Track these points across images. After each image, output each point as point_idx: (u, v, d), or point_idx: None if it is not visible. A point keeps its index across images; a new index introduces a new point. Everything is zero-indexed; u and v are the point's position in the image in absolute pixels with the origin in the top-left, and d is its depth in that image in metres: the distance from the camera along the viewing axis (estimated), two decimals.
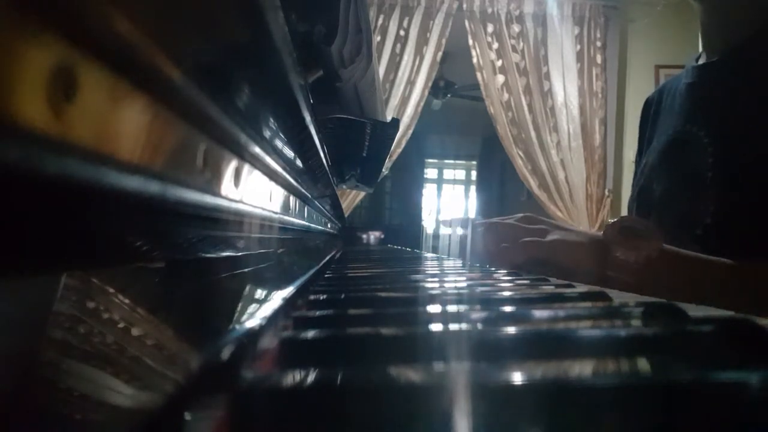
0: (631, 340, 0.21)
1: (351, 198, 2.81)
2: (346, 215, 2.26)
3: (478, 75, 2.91)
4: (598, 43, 2.93)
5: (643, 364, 0.19)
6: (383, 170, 1.27)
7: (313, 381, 0.15)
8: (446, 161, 6.23)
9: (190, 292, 0.21)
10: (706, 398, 0.14)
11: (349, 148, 0.84)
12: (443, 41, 2.89)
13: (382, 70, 2.79)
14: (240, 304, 0.25)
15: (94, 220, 0.13)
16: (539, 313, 0.26)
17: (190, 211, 0.19)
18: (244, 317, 0.22)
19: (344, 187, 1.09)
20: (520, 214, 0.67)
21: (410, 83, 2.88)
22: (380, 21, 2.84)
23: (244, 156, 0.25)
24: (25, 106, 0.09)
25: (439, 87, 3.74)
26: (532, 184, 2.92)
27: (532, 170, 2.92)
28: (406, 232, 4.66)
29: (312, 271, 0.47)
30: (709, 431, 0.14)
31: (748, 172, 0.58)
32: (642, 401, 0.14)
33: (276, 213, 0.37)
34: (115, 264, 0.15)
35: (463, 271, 0.63)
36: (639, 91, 2.83)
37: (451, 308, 0.28)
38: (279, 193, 0.38)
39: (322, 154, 0.47)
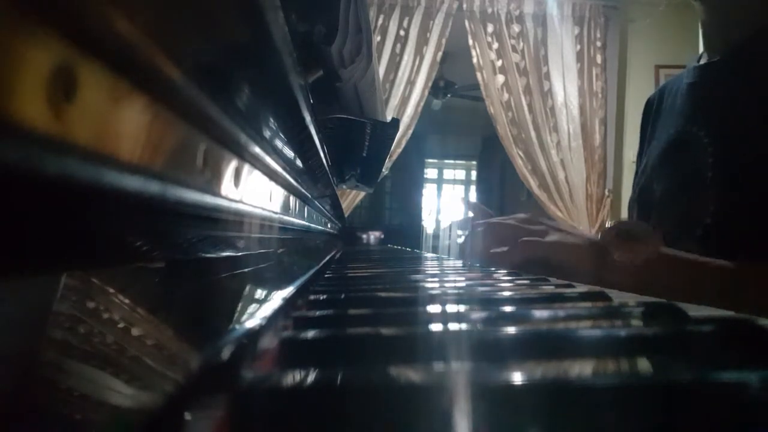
0: (631, 340, 0.21)
1: (351, 198, 2.81)
2: (346, 215, 2.26)
3: (478, 75, 2.91)
4: (598, 43, 2.93)
5: (643, 364, 0.19)
6: (383, 170, 1.27)
7: (313, 381, 0.15)
8: (446, 161, 6.23)
9: (190, 292, 0.21)
10: (706, 398, 0.14)
11: (349, 148, 0.84)
12: (443, 41, 2.89)
13: (382, 70, 2.79)
14: (240, 304, 0.25)
15: (94, 220, 0.13)
16: (539, 313, 0.26)
17: (190, 211, 0.19)
18: (244, 317, 0.22)
19: (344, 187, 1.09)
20: (521, 214, 0.67)
21: (410, 83, 2.88)
22: (380, 21, 2.84)
23: (244, 156, 0.25)
24: (25, 106, 0.09)
25: (439, 87, 3.74)
26: (532, 184, 2.92)
27: (532, 170, 2.92)
28: (406, 232, 4.66)
29: (312, 271, 0.47)
30: (709, 431, 0.14)
31: (749, 172, 0.58)
32: (642, 401, 0.14)
33: (276, 213, 0.37)
34: (115, 264, 0.15)
35: (463, 271, 0.63)
36: (639, 91, 2.83)
37: (451, 308, 0.28)
38: (279, 193, 0.38)
39: (322, 154, 0.47)
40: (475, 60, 2.91)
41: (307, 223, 0.59)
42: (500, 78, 2.91)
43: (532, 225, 0.63)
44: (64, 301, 0.13)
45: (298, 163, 0.41)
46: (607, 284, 0.48)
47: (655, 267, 0.53)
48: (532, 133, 2.90)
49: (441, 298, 0.34)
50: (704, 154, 0.63)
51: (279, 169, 0.34)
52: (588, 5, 2.94)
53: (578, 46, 2.92)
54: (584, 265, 0.56)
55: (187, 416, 0.13)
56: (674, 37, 2.71)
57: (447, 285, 0.43)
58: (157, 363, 0.15)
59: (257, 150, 0.27)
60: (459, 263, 0.78)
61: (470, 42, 2.90)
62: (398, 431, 0.13)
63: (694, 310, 0.25)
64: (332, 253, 0.93)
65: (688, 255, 0.56)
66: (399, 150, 2.84)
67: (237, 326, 0.20)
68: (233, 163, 0.23)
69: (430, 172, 6.16)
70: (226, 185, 0.23)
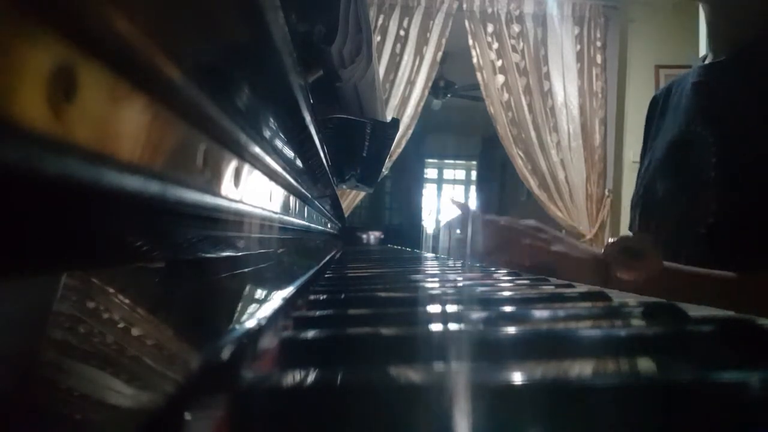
0: (631, 340, 0.21)
1: (351, 198, 2.81)
2: (346, 215, 2.26)
3: (478, 75, 2.91)
4: (598, 43, 2.93)
5: (643, 364, 0.19)
6: (383, 170, 1.27)
7: (312, 381, 0.15)
8: (446, 161, 6.23)
9: (190, 292, 0.21)
10: (706, 398, 0.14)
11: (349, 148, 0.84)
12: (443, 41, 2.89)
13: (382, 70, 2.79)
14: (240, 304, 0.25)
15: (94, 220, 0.13)
16: (539, 313, 0.26)
17: (190, 211, 0.19)
18: (244, 317, 0.22)
19: (344, 187, 1.09)
20: (531, 221, 0.67)
21: (410, 83, 2.88)
22: (380, 21, 2.84)
23: (244, 156, 0.25)
24: (26, 106, 0.09)
25: (439, 87, 3.74)
26: (532, 184, 2.92)
27: (532, 170, 2.92)
28: (406, 232, 4.66)
29: (312, 271, 0.47)
30: (709, 431, 0.14)
31: (752, 172, 0.58)
32: (642, 401, 0.14)
33: (276, 213, 0.37)
34: (115, 264, 0.15)
35: (463, 271, 0.63)
36: (639, 91, 2.83)
37: (451, 308, 0.28)
38: (279, 193, 0.38)
39: (322, 154, 0.47)
40: (475, 60, 2.91)
41: (307, 223, 0.59)
42: (500, 78, 2.91)
43: (539, 232, 0.64)
44: (64, 301, 0.13)
45: (298, 163, 0.41)
46: None
47: (657, 283, 0.53)
48: (532, 133, 2.89)
49: (441, 298, 0.34)
50: (708, 154, 0.63)
51: (279, 169, 0.34)
52: (588, 5, 2.94)
53: (578, 46, 2.92)
54: (585, 279, 0.56)
55: (187, 416, 0.13)
56: (674, 37, 2.71)
57: (447, 285, 0.43)
58: (157, 363, 0.15)
59: (257, 150, 0.27)
60: (459, 263, 0.78)
61: (470, 42, 2.90)
62: (398, 431, 0.13)
63: (694, 310, 0.25)
64: (332, 253, 0.93)
65: (690, 269, 0.56)
66: (399, 150, 2.84)
67: (237, 326, 0.20)
68: (233, 163, 0.23)
69: (430, 172, 6.16)
70: (226, 185, 0.23)
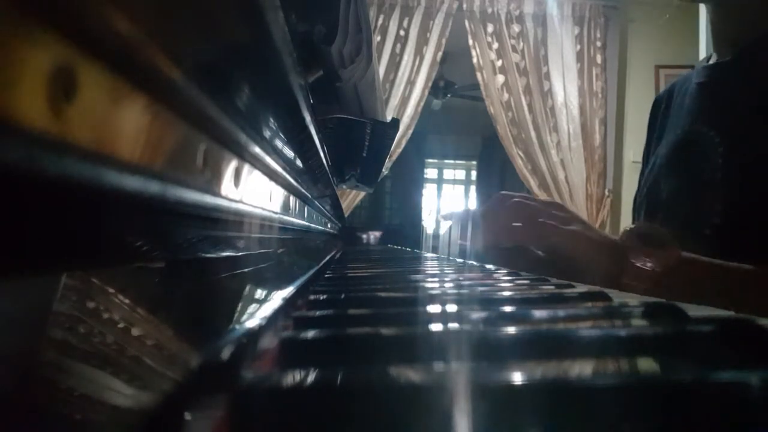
0: (631, 340, 0.21)
1: (351, 198, 2.81)
2: (346, 215, 2.26)
3: (478, 75, 2.91)
4: (598, 43, 2.93)
5: (643, 364, 0.19)
6: (383, 170, 1.27)
7: (313, 381, 0.15)
8: (446, 161, 6.23)
9: (190, 292, 0.21)
10: (706, 398, 0.14)
11: (349, 148, 0.84)
12: (443, 41, 2.89)
13: (382, 70, 2.79)
14: (240, 304, 0.25)
15: (94, 220, 0.13)
16: (539, 313, 0.26)
17: (190, 211, 0.19)
18: (244, 317, 0.22)
19: (344, 187, 1.09)
20: (546, 198, 0.63)
21: (410, 83, 2.88)
22: (380, 21, 2.84)
23: (244, 156, 0.25)
24: (25, 106, 0.09)
25: (439, 87, 3.74)
26: (532, 184, 2.92)
27: (532, 170, 2.92)
28: (406, 232, 4.66)
29: (312, 271, 0.47)
30: (709, 431, 0.14)
31: (759, 172, 0.58)
32: (642, 401, 0.14)
33: (276, 213, 0.37)
34: (115, 264, 0.15)
35: (463, 271, 0.63)
36: (639, 91, 2.83)
37: (451, 308, 0.28)
38: (279, 193, 0.38)
39: (322, 154, 0.47)
40: (475, 60, 2.91)
41: (307, 223, 0.59)
42: (500, 78, 2.91)
43: (558, 209, 0.60)
44: (64, 301, 0.13)
45: (298, 163, 0.41)
46: (623, 288, 0.47)
47: (676, 272, 0.52)
48: (532, 133, 2.89)
49: (441, 298, 0.34)
50: (714, 154, 0.62)
51: (279, 169, 0.34)
52: (588, 5, 2.94)
53: (578, 46, 2.92)
54: (601, 264, 0.53)
55: (187, 416, 0.13)
56: (674, 37, 2.71)
57: (447, 285, 0.43)
58: (157, 363, 0.15)
59: (257, 150, 0.27)
60: (459, 263, 0.78)
61: (470, 42, 2.90)
62: (398, 431, 0.13)
63: (694, 310, 0.25)
64: (332, 253, 0.93)
65: (709, 260, 0.53)
66: (399, 150, 2.84)
67: (237, 326, 0.20)
68: (233, 163, 0.23)
69: (430, 172, 6.16)
70: (226, 185, 0.23)
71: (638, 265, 0.52)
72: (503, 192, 0.63)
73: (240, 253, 0.28)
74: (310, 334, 0.21)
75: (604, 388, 0.14)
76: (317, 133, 0.41)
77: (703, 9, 1.92)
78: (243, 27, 0.20)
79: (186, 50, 0.15)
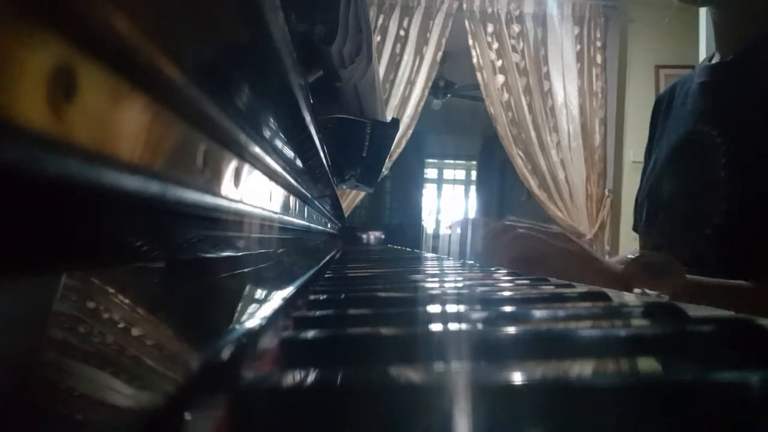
0: (631, 340, 0.21)
1: (351, 198, 2.81)
2: (346, 215, 2.26)
3: (478, 75, 2.91)
4: (598, 43, 2.93)
5: (643, 364, 0.19)
6: (383, 170, 1.27)
7: (313, 381, 0.14)
8: (446, 161, 6.23)
9: (190, 292, 0.21)
10: (706, 398, 0.14)
11: (349, 148, 0.84)
12: (443, 41, 2.89)
13: (382, 70, 2.79)
14: (240, 304, 0.25)
15: (94, 220, 0.13)
16: (539, 313, 0.26)
17: (190, 211, 0.19)
18: (244, 317, 0.22)
19: (344, 187, 1.09)
20: (555, 228, 0.63)
21: (410, 83, 2.88)
22: (380, 21, 2.84)
23: (244, 156, 0.25)
24: (26, 106, 0.09)
25: (439, 87, 3.74)
26: (532, 184, 2.92)
27: (532, 170, 2.92)
28: (406, 232, 4.66)
29: (312, 271, 0.47)
30: (709, 431, 0.14)
31: (760, 172, 0.58)
32: (642, 401, 0.14)
33: (276, 213, 0.37)
34: (115, 264, 0.15)
35: (463, 271, 0.63)
36: (639, 91, 2.83)
37: (451, 308, 0.28)
38: (279, 193, 0.38)
39: (322, 154, 0.47)
40: (475, 60, 2.91)
41: (307, 223, 0.59)
42: (500, 78, 2.91)
43: (559, 241, 0.60)
44: (64, 301, 0.13)
45: (298, 163, 0.41)
46: None
47: (680, 298, 0.52)
48: (532, 133, 2.89)
49: (441, 298, 0.34)
50: (716, 154, 0.62)
51: (279, 169, 0.34)
52: (588, 5, 2.94)
53: (578, 46, 2.92)
54: None
55: (187, 416, 0.13)
56: (674, 37, 2.71)
57: (447, 285, 0.43)
58: (157, 363, 0.15)
59: (257, 150, 0.27)
60: (459, 263, 0.78)
61: (470, 42, 2.90)
62: (398, 431, 0.13)
63: (694, 310, 0.25)
64: (332, 253, 0.93)
65: (710, 280, 0.54)
66: (399, 150, 2.84)
67: (237, 326, 0.20)
68: (233, 163, 0.23)
69: (430, 172, 6.16)
70: (226, 185, 0.23)
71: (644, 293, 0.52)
72: (508, 222, 0.64)
73: (240, 253, 0.28)
74: (310, 334, 0.21)
75: (605, 388, 0.14)
76: (317, 133, 0.41)
77: (703, 9, 1.92)
78: (243, 27, 0.20)
79: (186, 50, 0.15)
